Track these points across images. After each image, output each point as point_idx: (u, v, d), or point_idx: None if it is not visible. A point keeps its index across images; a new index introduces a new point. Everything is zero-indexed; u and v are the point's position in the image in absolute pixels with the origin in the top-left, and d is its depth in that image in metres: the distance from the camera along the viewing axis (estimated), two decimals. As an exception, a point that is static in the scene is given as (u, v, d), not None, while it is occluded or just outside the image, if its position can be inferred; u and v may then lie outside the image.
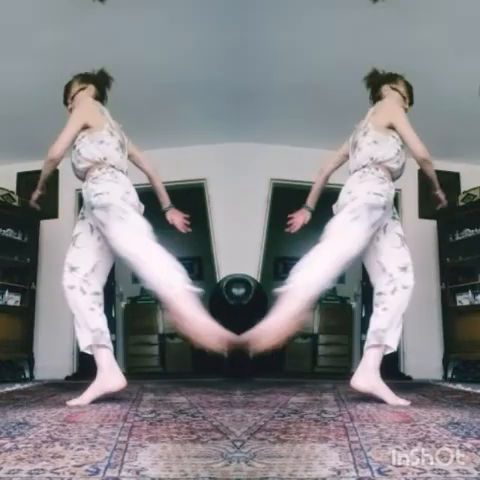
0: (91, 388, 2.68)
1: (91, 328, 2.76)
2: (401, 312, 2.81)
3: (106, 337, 2.78)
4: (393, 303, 2.79)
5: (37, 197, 3.35)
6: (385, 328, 2.74)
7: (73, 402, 2.60)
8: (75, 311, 2.81)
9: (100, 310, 2.85)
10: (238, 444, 1.54)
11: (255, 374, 4.54)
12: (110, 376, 2.69)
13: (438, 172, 5.74)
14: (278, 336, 2.28)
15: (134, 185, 2.99)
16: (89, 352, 2.79)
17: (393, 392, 2.68)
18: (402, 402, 2.61)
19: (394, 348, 2.79)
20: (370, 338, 2.78)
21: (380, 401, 2.69)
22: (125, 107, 4.65)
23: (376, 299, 2.86)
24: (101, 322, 2.81)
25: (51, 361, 5.19)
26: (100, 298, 2.88)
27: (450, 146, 5.32)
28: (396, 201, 5.58)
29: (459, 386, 3.92)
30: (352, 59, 3.99)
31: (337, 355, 6.72)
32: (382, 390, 2.67)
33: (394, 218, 3.00)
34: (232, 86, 4.25)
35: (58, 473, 1.24)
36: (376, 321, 2.79)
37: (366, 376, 2.68)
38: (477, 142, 5.16)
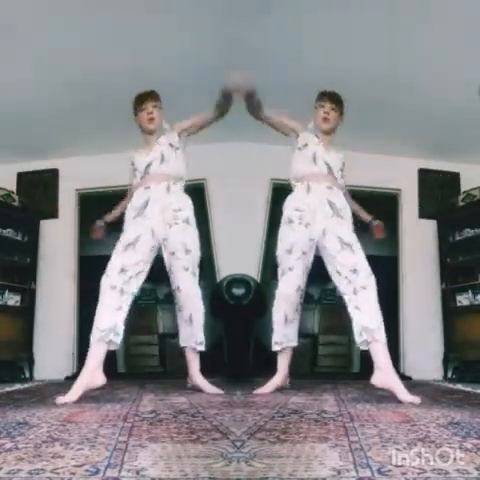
0: (78, 385, 2.76)
1: (103, 327, 2.85)
2: (376, 308, 2.91)
3: (120, 337, 2.92)
4: (361, 301, 2.92)
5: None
6: (372, 327, 2.86)
7: (62, 400, 2.63)
8: (98, 308, 2.90)
9: (127, 309, 2.99)
10: (238, 444, 1.54)
11: (255, 374, 4.54)
12: (95, 373, 2.83)
13: (438, 172, 5.75)
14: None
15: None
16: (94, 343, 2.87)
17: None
18: (411, 399, 2.66)
19: (383, 341, 2.88)
20: (360, 336, 2.90)
21: (380, 401, 2.69)
22: (125, 107, 4.65)
23: (344, 300, 3.01)
24: (118, 323, 2.91)
25: (51, 361, 5.19)
26: (132, 299, 3.04)
27: (450, 146, 5.32)
28: (396, 201, 5.64)
29: (459, 386, 3.93)
30: (352, 59, 3.99)
31: (337, 355, 6.72)
32: (396, 387, 2.78)
33: (337, 216, 3.13)
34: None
35: (58, 473, 1.24)
36: (357, 321, 2.91)
37: (382, 373, 2.83)
38: (477, 142, 5.16)
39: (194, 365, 3.29)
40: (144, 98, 3.27)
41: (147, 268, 3.14)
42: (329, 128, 3.27)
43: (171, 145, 3.26)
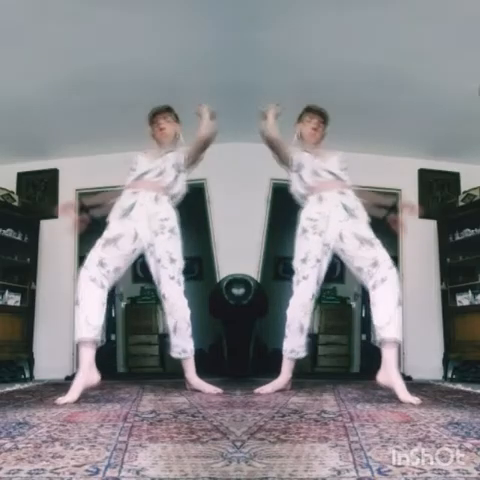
0: (77, 384, 2.79)
1: (96, 324, 2.89)
2: (392, 303, 2.92)
3: (101, 333, 2.96)
4: (377, 297, 2.95)
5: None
6: (380, 325, 2.91)
7: (63, 400, 2.64)
8: (84, 302, 2.91)
9: (105, 303, 3.02)
10: (238, 444, 1.55)
11: (255, 374, 4.54)
12: (91, 372, 2.86)
13: (438, 172, 5.75)
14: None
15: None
16: (81, 341, 2.89)
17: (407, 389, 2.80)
18: (411, 399, 2.67)
19: (395, 339, 2.93)
20: (374, 335, 2.99)
21: (380, 401, 2.70)
22: (125, 108, 4.66)
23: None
24: (103, 319, 2.97)
25: (51, 361, 5.19)
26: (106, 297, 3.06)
27: (450, 146, 5.32)
28: (396, 201, 5.63)
29: (459, 386, 3.93)
30: (352, 59, 3.99)
31: (337, 355, 6.72)
32: (397, 386, 2.81)
33: (352, 217, 3.16)
34: (232, 86, 4.25)
35: (58, 473, 1.24)
36: (373, 319, 2.97)
37: (385, 372, 2.88)
38: (477, 142, 5.15)
39: (189, 370, 3.31)
40: (156, 112, 3.41)
41: (126, 266, 3.18)
42: (317, 140, 3.38)
43: (175, 165, 3.31)
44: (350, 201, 3.19)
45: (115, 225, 3.14)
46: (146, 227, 3.16)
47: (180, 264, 3.24)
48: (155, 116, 3.39)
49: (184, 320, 3.27)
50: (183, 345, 3.28)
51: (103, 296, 2.98)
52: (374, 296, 2.96)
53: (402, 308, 2.97)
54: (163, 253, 3.18)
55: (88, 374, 2.85)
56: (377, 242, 3.08)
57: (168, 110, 3.44)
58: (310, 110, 3.40)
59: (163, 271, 3.19)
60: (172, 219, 3.24)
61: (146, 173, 3.24)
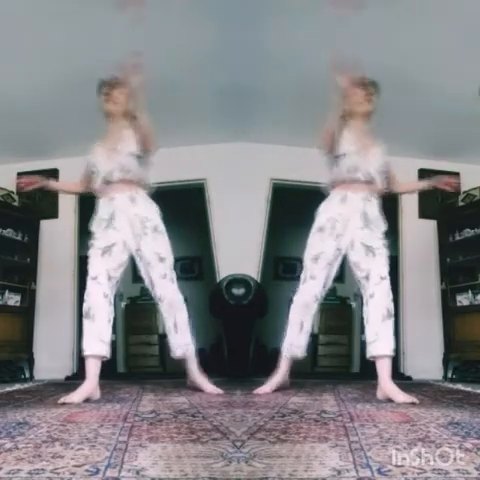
0: (82, 390, 2.79)
1: (107, 341, 2.94)
2: (378, 320, 2.91)
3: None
4: (367, 313, 2.96)
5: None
6: (368, 342, 2.94)
7: (68, 399, 2.64)
8: (98, 318, 2.93)
9: (112, 319, 3.05)
10: (238, 444, 1.54)
11: (255, 374, 4.53)
12: (96, 386, 2.89)
13: (438, 172, 5.76)
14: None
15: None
16: (91, 357, 2.92)
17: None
18: (408, 399, 2.67)
19: (383, 355, 2.90)
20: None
21: (380, 401, 2.70)
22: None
23: None
24: (111, 333, 3.00)
25: (51, 361, 5.19)
26: None
27: (450, 146, 5.32)
28: (396, 201, 5.63)
29: (459, 386, 3.92)
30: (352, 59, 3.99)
31: (337, 355, 6.72)
32: (391, 393, 2.78)
33: (368, 228, 3.10)
34: (232, 86, 4.25)
35: (58, 473, 1.24)
36: (365, 332, 3.00)
37: (380, 387, 2.87)
38: (477, 142, 5.15)
39: (192, 367, 3.30)
40: (109, 87, 3.12)
41: (121, 276, 3.18)
42: (371, 109, 3.08)
43: (131, 154, 3.10)
44: (372, 210, 3.08)
45: (103, 236, 3.07)
46: (130, 233, 3.09)
47: (170, 261, 3.21)
48: (106, 90, 3.12)
49: (184, 317, 3.25)
50: (186, 341, 3.26)
51: (112, 312, 3.01)
52: (367, 312, 2.97)
53: (392, 320, 2.94)
54: (151, 255, 3.13)
55: (95, 386, 2.86)
56: (381, 252, 3.02)
57: (123, 83, 3.15)
58: (359, 82, 3.10)
59: (154, 272, 3.17)
60: (153, 217, 3.15)
61: (111, 173, 3.09)
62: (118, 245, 3.07)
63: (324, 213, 3.15)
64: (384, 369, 2.87)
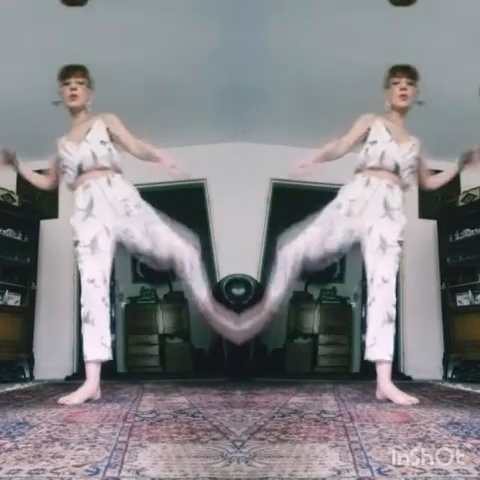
0: (84, 390, 2.79)
1: (108, 344, 2.93)
2: (378, 324, 2.88)
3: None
4: (370, 316, 2.93)
5: None
6: (367, 345, 2.92)
7: (69, 401, 2.63)
8: (98, 322, 2.91)
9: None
10: (238, 444, 1.54)
11: (255, 374, 4.54)
12: (97, 387, 2.88)
13: (438, 172, 5.76)
14: None
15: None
16: (94, 362, 2.90)
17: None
18: (408, 400, 2.66)
19: (383, 357, 2.87)
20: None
21: (380, 401, 2.70)
22: (124, 107, 4.64)
23: None
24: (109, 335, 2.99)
25: (51, 361, 5.19)
26: None
27: (450, 146, 5.31)
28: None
29: (459, 386, 3.92)
30: (352, 59, 3.99)
31: (337, 355, 6.71)
32: (391, 394, 2.77)
33: (389, 217, 3.00)
34: (232, 86, 4.25)
35: (58, 473, 1.24)
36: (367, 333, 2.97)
37: (380, 388, 2.87)
38: (477, 142, 5.14)
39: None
40: (69, 72, 3.03)
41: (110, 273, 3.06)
42: (407, 105, 3.06)
43: (102, 142, 3.01)
44: (394, 199, 2.99)
45: (83, 229, 2.96)
46: (113, 216, 2.97)
47: (161, 220, 3.06)
48: (67, 77, 3.02)
49: (193, 257, 3.12)
50: (199, 283, 3.25)
51: (108, 315, 3.00)
52: (369, 314, 2.94)
53: (393, 325, 2.90)
54: (141, 228, 2.99)
55: (95, 388, 2.86)
56: (392, 251, 2.93)
57: (83, 70, 3.06)
58: (397, 69, 3.04)
59: (149, 235, 3.01)
60: (133, 197, 3.04)
61: (83, 162, 2.99)
62: (102, 234, 2.94)
63: (345, 194, 3.06)
64: (383, 372, 2.86)
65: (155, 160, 3.00)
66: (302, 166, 2.99)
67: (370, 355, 2.89)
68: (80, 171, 3.01)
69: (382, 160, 2.98)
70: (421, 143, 3.14)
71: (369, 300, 2.96)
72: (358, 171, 3.05)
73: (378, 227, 2.95)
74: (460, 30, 3.58)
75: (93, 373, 2.87)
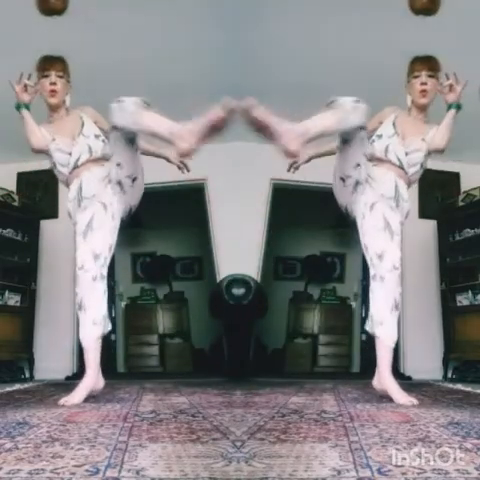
0: (83, 386, 2.74)
1: (100, 319, 2.79)
2: (387, 307, 2.81)
3: (109, 322, 2.86)
4: (376, 291, 2.82)
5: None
6: (375, 319, 2.80)
7: (68, 402, 2.60)
8: (89, 305, 2.79)
9: (106, 294, 2.88)
10: (238, 444, 1.54)
11: (255, 374, 4.54)
12: (99, 376, 2.84)
13: (438, 172, 5.74)
14: None
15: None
16: (87, 344, 2.83)
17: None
18: (407, 400, 2.62)
19: (388, 341, 2.80)
20: (367, 323, 2.87)
21: (380, 401, 2.70)
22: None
23: None
24: (106, 309, 2.87)
25: (51, 361, 5.19)
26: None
27: (450, 146, 5.31)
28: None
29: (459, 386, 3.92)
30: (353, 59, 3.99)
31: (337, 355, 6.72)
32: (391, 390, 2.72)
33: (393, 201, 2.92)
34: (232, 86, 4.25)
35: (58, 473, 1.24)
36: (370, 307, 2.86)
37: (379, 377, 2.81)
38: (477, 142, 5.15)
39: None
40: (48, 63, 2.94)
41: (114, 242, 2.92)
42: (428, 102, 2.98)
43: (96, 136, 2.97)
44: (402, 187, 2.92)
45: (79, 214, 2.89)
46: (107, 189, 2.87)
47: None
48: (47, 69, 2.93)
49: None
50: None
51: (104, 288, 2.85)
52: (373, 289, 2.82)
53: (399, 313, 2.87)
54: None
55: (96, 377, 2.80)
56: (397, 239, 2.85)
57: (62, 63, 2.98)
58: (417, 61, 2.94)
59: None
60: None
61: (79, 157, 2.95)
62: (98, 213, 2.86)
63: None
64: (385, 360, 2.78)
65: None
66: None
67: (378, 333, 2.77)
68: (75, 166, 2.97)
69: (387, 153, 2.93)
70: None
71: (376, 276, 2.80)
72: (369, 159, 2.93)
73: (381, 207, 2.86)
74: (460, 30, 3.58)
75: (90, 361, 2.80)
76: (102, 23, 3.59)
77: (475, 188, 5.17)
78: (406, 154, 2.94)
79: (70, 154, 2.98)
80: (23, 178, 5.63)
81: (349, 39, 3.80)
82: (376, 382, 2.85)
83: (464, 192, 5.34)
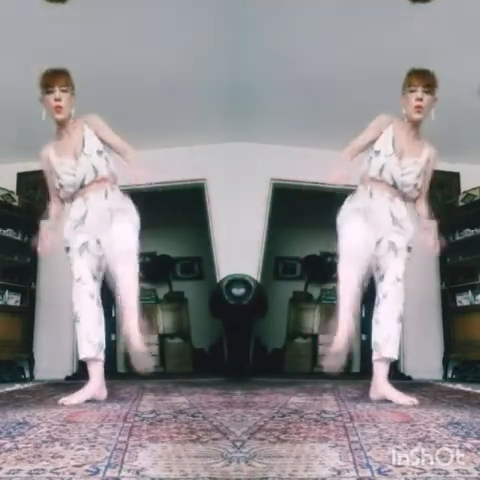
0: (83, 392, 2.76)
1: (96, 341, 2.85)
2: (391, 321, 2.87)
3: (103, 350, 2.91)
4: (379, 314, 2.91)
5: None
6: (379, 342, 2.89)
7: (68, 402, 2.61)
8: (84, 319, 2.85)
9: (103, 320, 2.94)
10: (238, 444, 1.54)
11: (255, 374, 4.54)
12: (102, 387, 2.87)
13: (438, 172, 5.75)
14: None
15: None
16: (85, 360, 2.88)
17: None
18: (408, 401, 2.64)
19: (390, 358, 2.90)
20: (373, 349, 2.94)
21: (380, 401, 2.70)
22: (125, 108, 4.66)
23: None
24: (103, 335, 2.91)
25: (51, 361, 5.19)
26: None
27: (450, 146, 5.32)
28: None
29: (459, 386, 3.92)
30: (352, 59, 3.99)
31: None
32: (390, 394, 2.75)
33: (397, 226, 3.00)
34: (232, 86, 4.25)
35: (58, 473, 1.24)
36: (372, 335, 2.95)
37: (375, 388, 2.85)
38: (477, 142, 5.15)
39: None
40: (52, 78, 2.88)
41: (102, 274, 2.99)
42: (422, 118, 2.94)
43: (98, 152, 2.95)
44: (398, 210, 2.98)
45: (74, 236, 2.95)
46: (100, 230, 2.92)
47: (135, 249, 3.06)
48: (50, 85, 2.87)
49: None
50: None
51: (101, 314, 2.92)
52: (378, 313, 2.91)
53: (402, 325, 2.91)
54: (112, 254, 2.93)
55: (99, 388, 2.83)
56: (402, 254, 2.93)
57: (66, 76, 2.93)
58: (413, 74, 2.90)
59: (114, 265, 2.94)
60: (128, 211, 3.03)
61: (84, 177, 2.93)
62: (91, 243, 2.91)
63: (352, 205, 3.00)
64: (383, 370, 2.85)
65: (126, 160, 2.96)
66: (340, 176, 2.82)
67: (385, 352, 2.85)
68: (81, 186, 2.96)
69: (382, 173, 2.94)
70: (435, 156, 3.07)
71: (380, 296, 2.91)
72: (361, 181, 3.02)
73: (387, 237, 2.94)
74: (460, 30, 3.58)
75: (93, 373, 2.85)
76: (102, 24, 3.59)
77: (475, 188, 5.17)
78: (401, 175, 2.95)
79: (74, 175, 2.95)
80: (23, 178, 5.63)
81: (349, 39, 3.79)
82: (372, 393, 2.86)
83: (464, 192, 5.34)
